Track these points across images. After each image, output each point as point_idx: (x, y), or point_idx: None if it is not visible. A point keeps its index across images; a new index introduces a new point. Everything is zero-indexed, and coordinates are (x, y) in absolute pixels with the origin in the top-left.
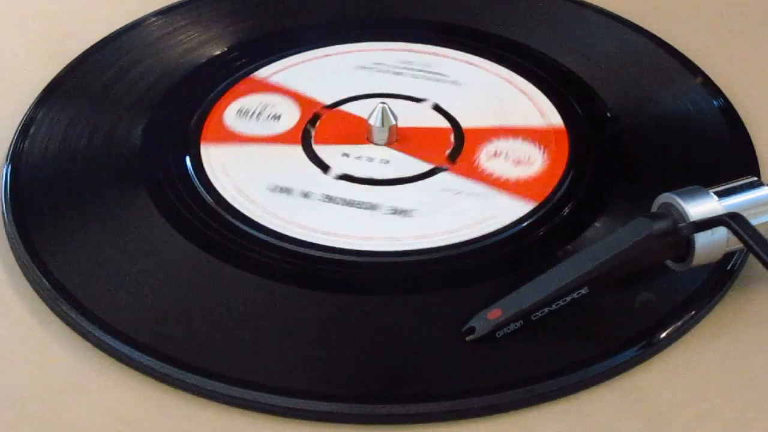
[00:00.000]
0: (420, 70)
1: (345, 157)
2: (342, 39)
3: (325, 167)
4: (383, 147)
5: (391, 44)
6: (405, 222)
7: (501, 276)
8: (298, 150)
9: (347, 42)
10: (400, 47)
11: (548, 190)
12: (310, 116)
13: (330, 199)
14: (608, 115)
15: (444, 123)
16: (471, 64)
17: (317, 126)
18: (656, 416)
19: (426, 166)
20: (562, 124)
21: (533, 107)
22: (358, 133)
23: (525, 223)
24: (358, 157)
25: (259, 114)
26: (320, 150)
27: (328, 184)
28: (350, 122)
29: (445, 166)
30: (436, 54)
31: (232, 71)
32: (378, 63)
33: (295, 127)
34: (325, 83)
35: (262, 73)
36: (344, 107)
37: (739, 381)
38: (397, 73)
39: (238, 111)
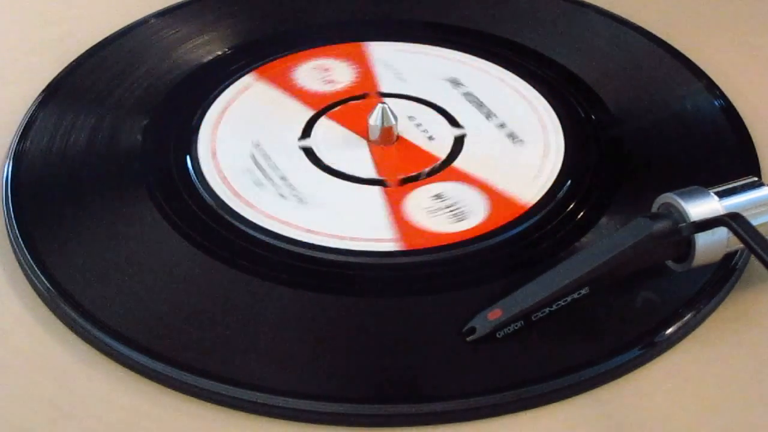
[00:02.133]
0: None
1: (330, 137)
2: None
3: (306, 135)
4: (369, 145)
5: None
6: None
7: (502, 277)
8: (308, 113)
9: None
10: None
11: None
12: (359, 93)
13: (267, 158)
14: (608, 115)
15: (444, 152)
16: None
17: (350, 104)
18: (658, 418)
19: (372, 175)
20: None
21: (535, 172)
22: (364, 124)
23: (527, 224)
24: (340, 142)
25: (325, 71)
26: (322, 122)
27: (289, 149)
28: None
29: (388, 183)
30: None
31: (232, 71)
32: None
33: (334, 95)
34: (405, 76)
35: (371, 46)
36: (389, 100)
37: (740, 382)
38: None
39: (313, 67)
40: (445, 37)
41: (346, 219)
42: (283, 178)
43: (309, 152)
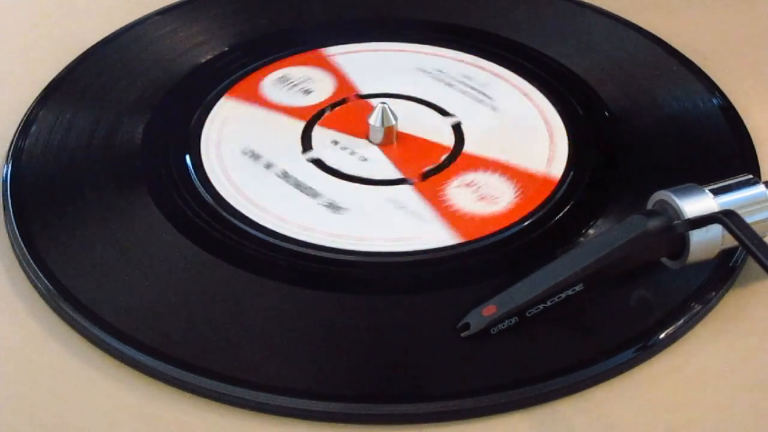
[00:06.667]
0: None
1: (332, 144)
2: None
3: (307, 147)
4: (375, 146)
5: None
6: (335, 217)
7: (501, 275)
8: (299, 125)
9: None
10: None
11: (489, 231)
12: (339, 99)
13: (286, 176)
14: (608, 114)
15: (449, 141)
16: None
17: (335, 110)
18: (655, 417)
19: (396, 175)
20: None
21: (546, 145)
22: (360, 126)
23: (524, 223)
24: (344, 148)
25: (294, 85)
26: (317, 131)
27: (297, 162)
28: (361, 114)
29: (413, 180)
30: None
31: (232, 71)
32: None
33: (316, 105)
34: (377, 75)
35: (329, 50)
36: (373, 101)
37: (737, 383)
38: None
39: (278, 78)
40: (446, 36)
41: (391, 223)
42: (316, 193)
43: (317, 162)
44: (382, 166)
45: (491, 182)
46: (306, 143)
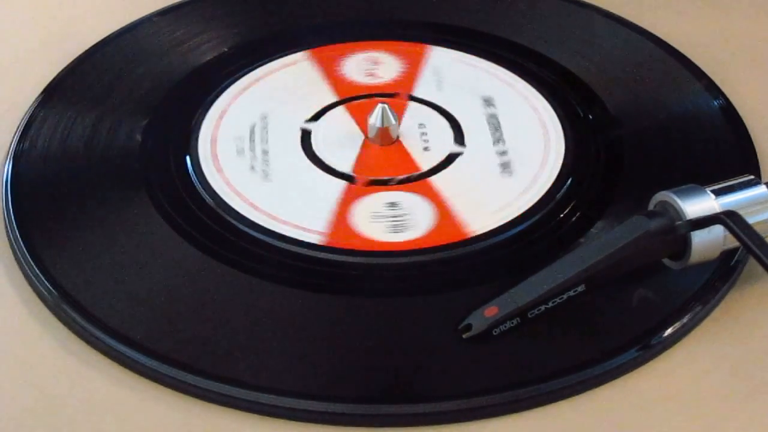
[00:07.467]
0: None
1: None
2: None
3: (315, 119)
4: (363, 141)
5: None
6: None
7: (503, 277)
8: (330, 99)
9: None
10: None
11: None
12: (390, 92)
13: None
14: (608, 115)
15: (427, 165)
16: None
17: (375, 99)
18: (657, 418)
19: (346, 170)
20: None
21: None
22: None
23: (525, 224)
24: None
25: (374, 63)
26: (336, 110)
27: (290, 128)
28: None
29: (356, 180)
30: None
31: (232, 71)
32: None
33: (365, 88)
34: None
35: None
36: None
37: (739, 383)
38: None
39: (364, 58)
40: (441, 35)
41: (293, 203)
42: (264, 152)
43: (306, 134)
44: (348, 160)
45: (415, 212)
46: (317, 115)
